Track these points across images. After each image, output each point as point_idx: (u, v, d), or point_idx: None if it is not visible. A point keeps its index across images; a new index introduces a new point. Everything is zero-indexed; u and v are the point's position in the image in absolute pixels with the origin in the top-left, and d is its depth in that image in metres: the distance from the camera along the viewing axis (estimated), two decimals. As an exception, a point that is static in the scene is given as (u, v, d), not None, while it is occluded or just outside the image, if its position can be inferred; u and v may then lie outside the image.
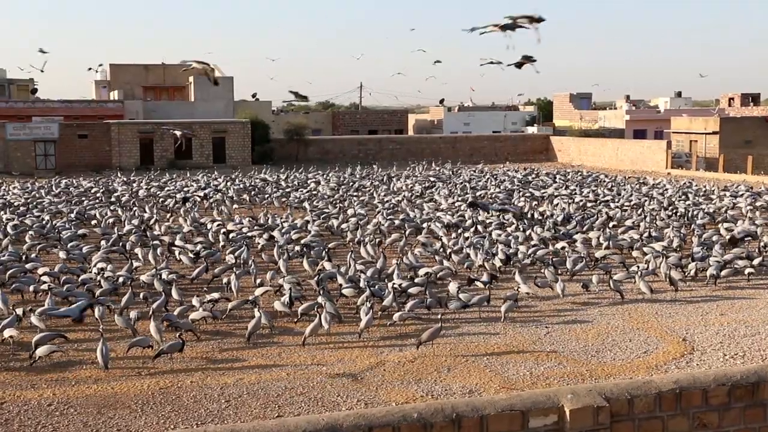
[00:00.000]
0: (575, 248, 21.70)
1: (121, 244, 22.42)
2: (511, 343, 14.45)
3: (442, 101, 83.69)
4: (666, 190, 36.24)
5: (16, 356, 13.51)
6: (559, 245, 22.01)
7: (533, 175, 44.66)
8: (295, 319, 15.70)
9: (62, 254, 20.79)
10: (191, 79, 69.61)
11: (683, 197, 33.15)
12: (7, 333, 14.05)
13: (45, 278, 17.90)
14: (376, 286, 16.88)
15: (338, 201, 33.30)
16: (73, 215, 28.83)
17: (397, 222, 26.12)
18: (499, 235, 23.31)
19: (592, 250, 21.70)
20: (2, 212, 29.43)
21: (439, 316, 14.93)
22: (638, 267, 19.06)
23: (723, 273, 18.75)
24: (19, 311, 14.98)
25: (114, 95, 70.13)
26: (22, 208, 30.69)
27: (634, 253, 21.26)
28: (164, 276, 17.82)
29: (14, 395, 11.90)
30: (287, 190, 37.64)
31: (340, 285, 17.51)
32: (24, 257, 20.38)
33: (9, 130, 53.20)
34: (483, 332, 15.09)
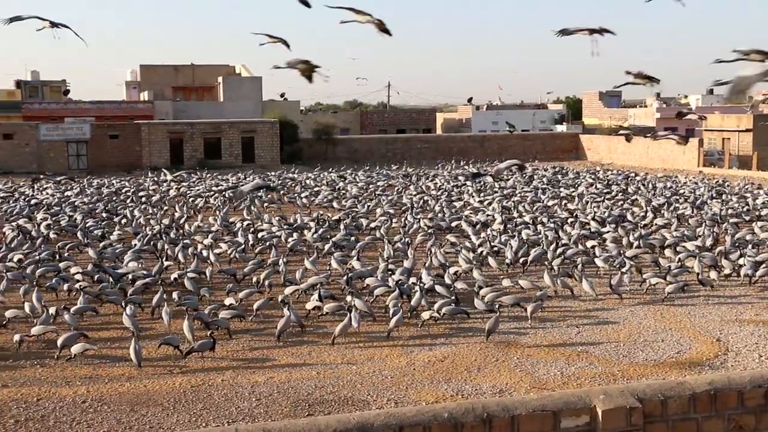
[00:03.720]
0: (606, 247, 21.54)
1: (152, 243, 22.61)
2: (541, 343, 14.39)
3: (470, 100, 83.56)
4: (697, 188, 35.88)
5: (50, 353, 13.66)
6: (589, 244, 21.85)
7: (562, 174, 44.42)
8: (319, 314, 15.78)
9: (92, 253, 21.01)
10: (220, 79, 70.06)
11: (716, 196, 32.80)
12: (36, 331, 14.23)
13: (78, 276, 18.12)
14: (405, 286, 16.87)
15: (367, 200, 33.33)
16: (104, 214, 29.15)
17: (426, 221, 26.09)
18: (529, 234, 23.23)
19: (623, 249, 21.52)
20: (36, 212, 29.79)
21: (496, 307, 15.20)
22: (669, 266, 18.87)
23: (759, 273, 18.48)
24: (53, 310, 15.17)
25: (144, 96, 70.75)
26: (55, 208, 31.03)
27: (667, 252, 21.06)
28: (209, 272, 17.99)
29: (50, 392, 12.06)
30: (316, 189, 37.73)
31: (368, 285, 17.55)
32: (57, 256, 20.63)
33: (42, 131, 53.86)
34: (512, 332, 15.03)
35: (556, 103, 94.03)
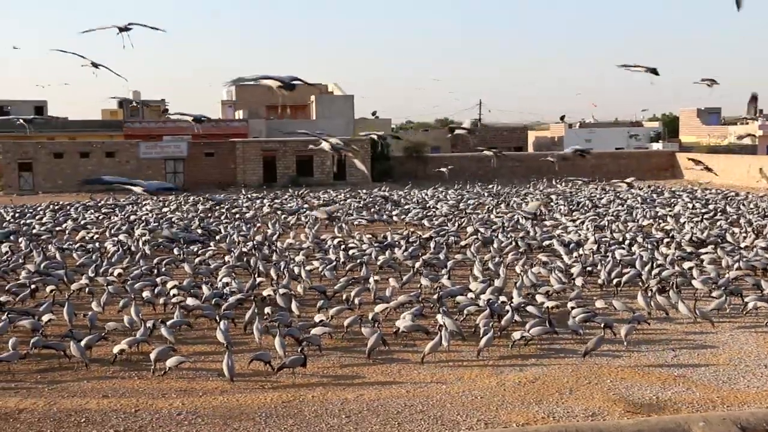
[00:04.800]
0: (704, 269, 20.90)
1: (245, 259, 23.04)
2: (635, 366, 14.02)
3: (562, 118, 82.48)
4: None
5: (147, 365, 14.03)
6: (686, 265, 21.24)
7: (657, 193, 43.39)
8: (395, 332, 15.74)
9: (188, 268, 21.54)
10: (313, 98, 71.14)
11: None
12: (122, 346, 14.63)
13: (174, 291, 18.61)
14: (496, 305, 16.73)
15: (457, 218, 33.23)
16: (199, 230, 29.90)
17: (517, 240, 25.85)
18: (623, 254, 22.75)
19: (722, 270, 20.82)
20: (136, 228, 30.75)
21: (602, 325, 15.13)
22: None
23: None
24: (150, 323, 15.60)
25: (239, 114, 72.38)
26: (153, 224, 31.98)
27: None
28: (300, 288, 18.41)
29: (147, 403, 12.38)
30: (406, 207, 37.83)
31: (458, 303, 17.48)
32: (156, 271, 21.23)
33: (142, 149, 55.74)
34: (606, 354, 14.69)
35: (651, 121, 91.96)
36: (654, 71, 13.77)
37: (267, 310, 17.00)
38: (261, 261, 22.21)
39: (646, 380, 13.25)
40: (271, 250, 24.82)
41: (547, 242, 25.76)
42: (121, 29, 23.19)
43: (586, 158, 59.79)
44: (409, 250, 24.02)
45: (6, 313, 16.46)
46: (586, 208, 36.23)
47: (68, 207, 39.29)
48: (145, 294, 18.48)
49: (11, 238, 28.08)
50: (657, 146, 71.53)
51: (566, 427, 4.78)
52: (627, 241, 25.36)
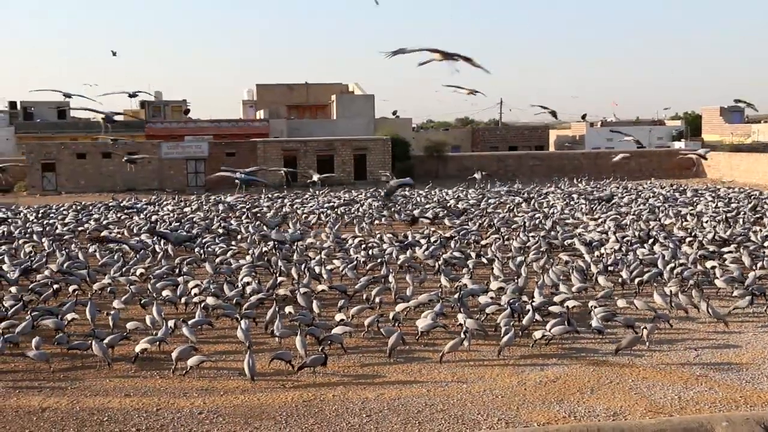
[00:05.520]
0: (726, 268, 20.73)
1: (265, 259, 23.11)
2: (657, 366, 13.93)
3: (584, 116, 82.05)
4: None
5: (168, 364, 14.11)
6: (708, 264, 21.07)
7: (679, 192, 43.07)
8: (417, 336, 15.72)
9: (209, 268, 21.63)
10: (333, 97, 71.25)
11: None
12: (144, 345, 14.73)
13: (195, 291, 18.70)
14: (517, 304, 16.69)
15: (479, 217, 33.16)
16: (220, 230, 30.03)
17: (538, 239, 25.76)
18: (644, 253, 22.61)
19: (745, 270, 20.64)
20: (159, 227, 30.90)
21: (641, 327, 15.04)
22: None
23: None
24: (171, 323, 15.69)
25: (260, 114, 72.66)
26: (174, 224, 32.14)
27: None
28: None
29: (168, 402, 12.46)
30: (427, 206, 37.77)
31: (479, 302, 17.45)
32: (178, 271, 21.34)
33: (164, 149, 56.05)
34: (627, 353, 14.60)
35: (673, 119, 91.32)
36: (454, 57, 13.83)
37: (288, 309, 17.04)
38: (282, 260, 22.27)
39: (668, 380, 13.16)
40: (291, 249, 24.88)
41: (568, 241, 25.65)
42: (107, 119, 24.20)
43: (610, 158, 59.55)
44: (430, 249, 23.99)
45: (30, 312, 16.65)
46: (610, 207, 35.97)
47: (90, 207, 39.57)
48: (166, 293, 18.59)
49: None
50: (679, 145, 71.00)
51: (588, 427, 4.77)
52: (650, 240, 25.18)
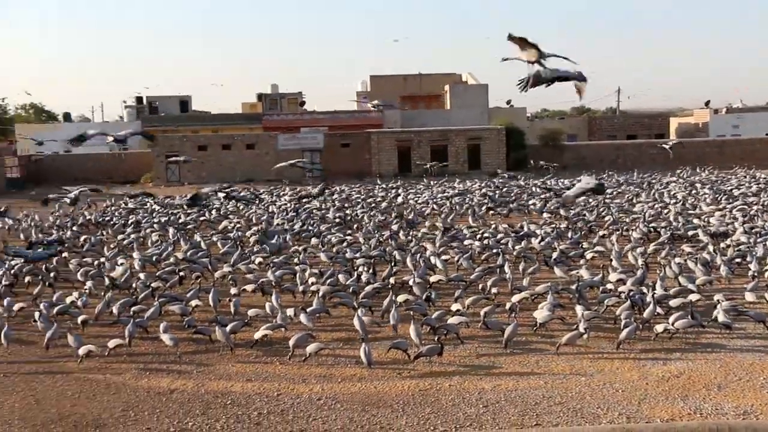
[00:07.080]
0: None
1: (382, 248, 23.28)
2: (790, 363, 13.31)
3: (707, 103, 79.01)
4: None
5: (287, 351, 14.39)
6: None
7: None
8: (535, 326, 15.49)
9: (324, 257, 21.95)
10: (446, 87, 71.08)
11: None
12: (264, 332, 15.06)
13: (312, 279, 19.01)
14: (637, 296, 16.24)
15: (594, 208, 32.45)
16: (336, 220, 30.45)
17: (659, 230, 25.00)
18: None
19: None
20: (276, 217, 31.63)
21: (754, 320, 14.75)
22: None
23: None
24: (290, 311, 16.01)
25: (375, 103, 73.16)
26: (291, 214, 32.78)
27: None
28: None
29: (288, 388, 12.75)
30: (542, 197, 37.21)
31: (597, 294, 17.09)
32: (295, 260, 21.76)
33: (280, 141, 57.26)
34: (758, 349, 14.01)
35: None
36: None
37: (403, 298, 17.09)
38: (397, 250, 22.38)
39: (802, 378, 12.56)
40: (407, 239, 24.98)
41: (692, 232, 24.80)
42: (117, 140, 25.02)
43: (736, 145, 57.13)
44: (546, 240, 23.64)
45: (157, 298, 17.34)
46: (732, 197, 34.58)
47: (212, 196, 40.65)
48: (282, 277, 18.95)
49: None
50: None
51: (718, 425, 4.60)
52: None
